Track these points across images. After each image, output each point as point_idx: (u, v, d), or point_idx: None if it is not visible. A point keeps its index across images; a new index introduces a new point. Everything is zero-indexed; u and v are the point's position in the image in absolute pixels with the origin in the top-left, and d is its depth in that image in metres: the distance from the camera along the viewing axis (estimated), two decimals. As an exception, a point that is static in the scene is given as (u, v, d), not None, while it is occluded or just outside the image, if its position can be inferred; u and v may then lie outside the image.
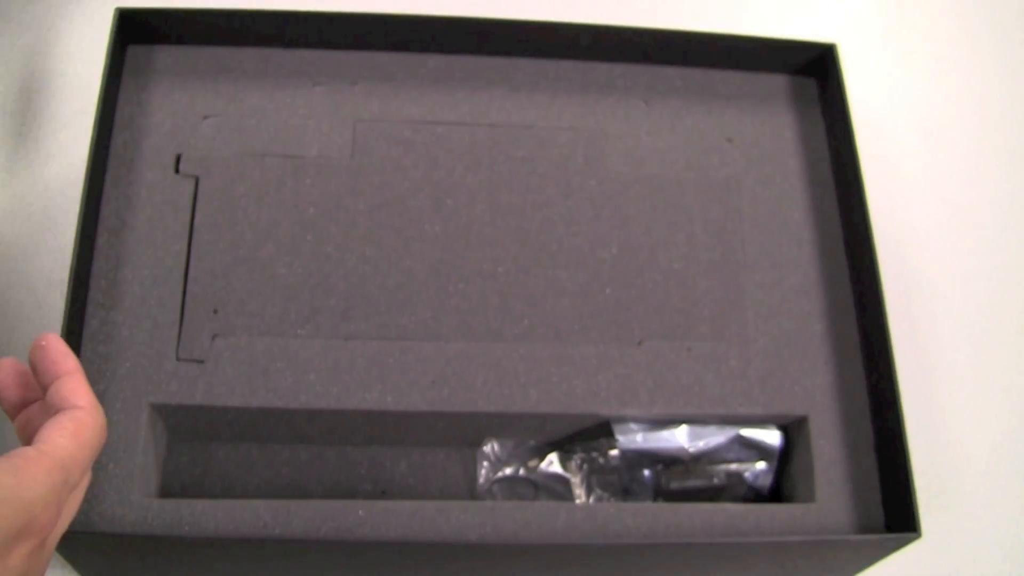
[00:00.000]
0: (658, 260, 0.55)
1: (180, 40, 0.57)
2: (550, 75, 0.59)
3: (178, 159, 0.54)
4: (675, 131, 0.59)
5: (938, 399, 0.64)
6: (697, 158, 0.58)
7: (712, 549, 0.49)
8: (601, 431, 0.53)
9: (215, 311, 0.52)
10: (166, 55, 0.57)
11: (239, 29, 0.57)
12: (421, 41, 0.58)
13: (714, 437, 0.53)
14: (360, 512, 0.48)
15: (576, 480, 0.55)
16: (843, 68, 0.58)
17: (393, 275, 0.53)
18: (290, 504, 0.48)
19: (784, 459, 0.55)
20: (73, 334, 0.49)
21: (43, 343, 0.38)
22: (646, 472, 0.54)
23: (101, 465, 0.48)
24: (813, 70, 0.61)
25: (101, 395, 0.49)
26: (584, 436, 0.54)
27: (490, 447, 0.55)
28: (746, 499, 0.55)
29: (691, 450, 0.53)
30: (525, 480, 0.55)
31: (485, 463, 0.55)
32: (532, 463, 0.55)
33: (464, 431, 0.53)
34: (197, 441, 0.54)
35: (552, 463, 0.55)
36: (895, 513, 0.50)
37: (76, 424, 0.35)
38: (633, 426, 0.53)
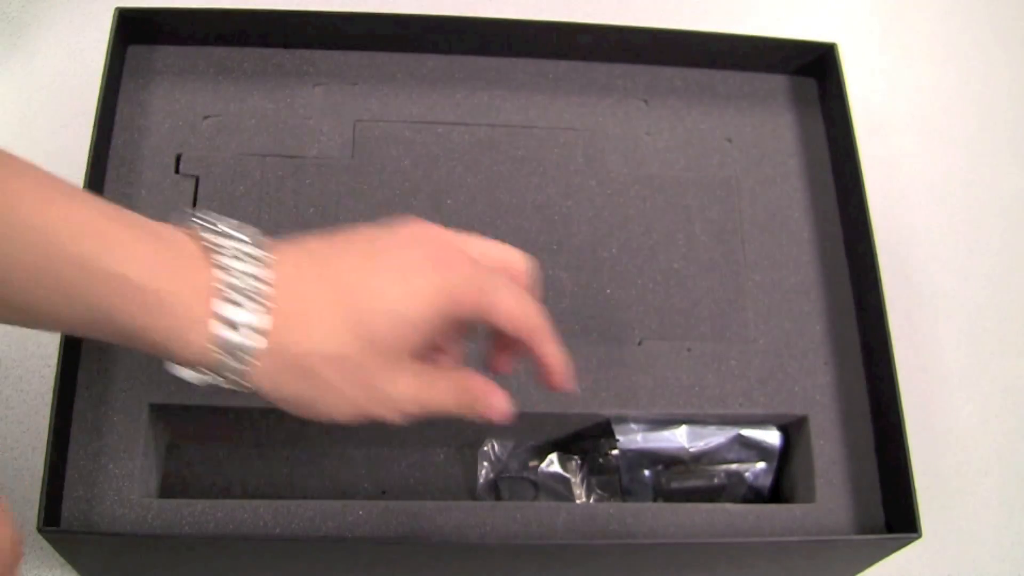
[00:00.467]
0: (658, 260, 0.55)
1: (180, 40, 0.57)
2: (550, 75, 0.59)
3: (178, 159, 0.54)
4: (675, 131, 0.59)
5: (938, 399, 0.64)
6: (697, 158, 0.58)
7: (712, 549, 0.49)
8: (601, 431, 0.53)
9: (215, 311, 0.51)
10: (166, 55, 0.57)
11: (239, 29, 0.57)
12: (421, 41, 0.58)
13: (714, 437, 0.53)
14: (360, 512, 0.48)
15: (576, 480, 0.55)
16: (843, 68, 0.58)
17: (393, 275, 0.53)
18: (290, 504, 0.47)
19: (784, 459, 0.55)
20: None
21: None
22: (646, 472, 0.54)
23: (101, 465, 0.48)
24: (813, 70, 0.61)
25: (101, 395, 0.49)
26: (584, 436, 0.54)
27: (490, 447, 0.55)
28: (746, 499, 0.55)
29: (691, 450, 0.53)
30: (525, 480, 0.55)
31: (485, 463, 0.55)
32: (532, 463, 0.55)
33: (464, 431, 0.53)
34: (197, 441, 0.54)
35: (552, 463, 0.55)
36: (895, 513, 0.50)
37: None
38: (633, 426, 0.53)
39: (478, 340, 0.43)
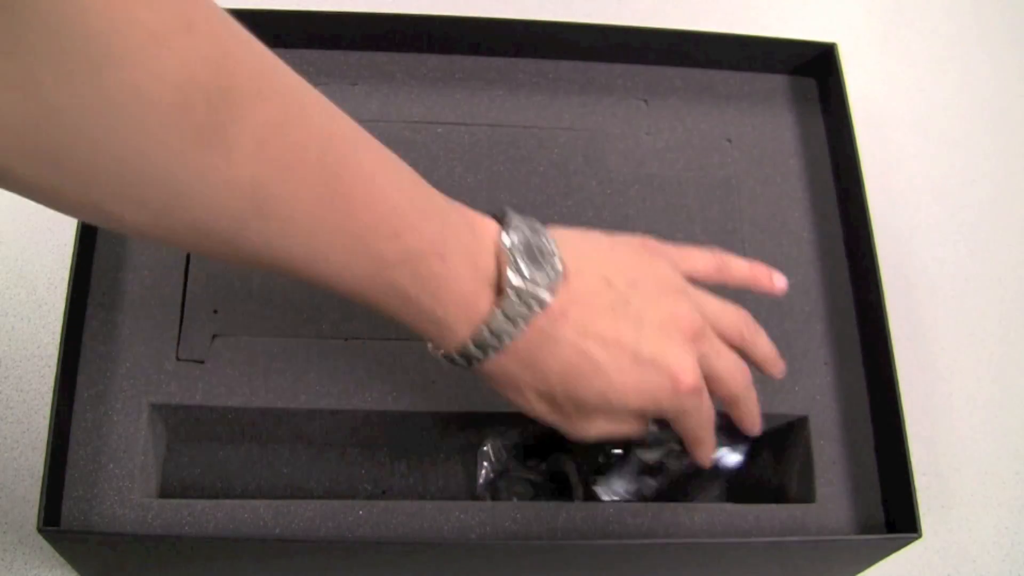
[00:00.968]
0: (658, 260, 0.55)
1: (180, 40, 0.57)
2: (550, 75, 0.59)
3: (178, 159, 0.54)
4: (675, 131, 0.59)
5: (938, 399, 0.64)
6: (697, 158, 0.58)
7: (712, 549, 0.49)
8: (601, 431, 0.53)
9: (215, 311, 0.51)
10: (166, 55, 0.57)
11: (239, 29, 0.57)
12: (421, 41, 0.58)
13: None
14: (360, 512, 0.48)
15: (576, 480, 0.55)
16: (843, 68, 0.58)
17: (393, 275, 0.53)
18: (290, 504, 0.47)
19: (778, 455, 0.55)
20: (73, 334, 0.49)
21: None
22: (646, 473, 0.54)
23: (101, 465, 0.48)
24: (813, 70, 0.61)
25: (101, 395, 0.49)
26: (584, 436, 0.54)
27: (490, 447, 0.55)
28: (723, 479, 0.54)
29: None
30: (525, 480, 0.55)
31: (485, 463, 0.55)
32: (532, 463, 0.55)
33: (464, 431, 0.53)
34: (197, 441, 0.54)
35: (552, 463, 0.55)
36: (895, 513, 0.50)
37: None
38: (633, 426, 0.52)
39: None
